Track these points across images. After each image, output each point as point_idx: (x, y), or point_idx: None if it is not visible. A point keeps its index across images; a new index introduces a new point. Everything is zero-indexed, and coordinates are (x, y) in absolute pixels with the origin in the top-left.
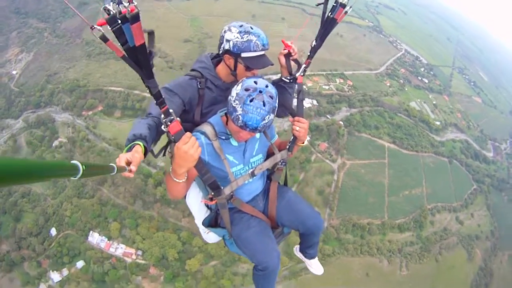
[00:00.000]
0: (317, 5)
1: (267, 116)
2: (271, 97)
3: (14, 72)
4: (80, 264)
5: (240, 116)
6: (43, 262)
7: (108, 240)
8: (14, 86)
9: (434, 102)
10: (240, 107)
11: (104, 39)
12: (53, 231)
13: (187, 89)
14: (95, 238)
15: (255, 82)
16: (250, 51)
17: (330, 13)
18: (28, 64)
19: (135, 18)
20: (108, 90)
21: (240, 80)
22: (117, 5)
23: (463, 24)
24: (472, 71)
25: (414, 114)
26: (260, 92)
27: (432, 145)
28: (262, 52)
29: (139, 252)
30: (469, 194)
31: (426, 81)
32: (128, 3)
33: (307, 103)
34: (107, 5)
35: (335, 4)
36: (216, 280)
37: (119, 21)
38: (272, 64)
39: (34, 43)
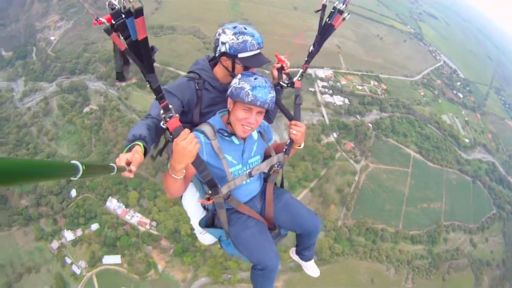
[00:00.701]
0: (316, 11)
1: (272, 91)
2: (266, 81)
3: (52, 38)
4: (94, 226)
5: (249, 91)
6: (59, 220)
7: (125, 207)
8: (51, 51)
9: (466, 119)
10: (247, 83)
11: (108, 31)
12: (73, 193)
13: (185, 91)
14: (113, 204)
15: (250, 73)
16: (247, 51)
17: (327, 19)
18: (67, 32)
19: (139, 12)
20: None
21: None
22: (122, 0)
23: (506, 44)
24: (509, 93)
25: (444, 128)
26: (257, 76)
27: (458, 161)
28: (258, 51)
29: (154, 223)
30: (487, 218)
31: (461, 96)
32: None
33: (338, 100)
34: (112, 0)
35: (332, 10)
36: (224, 260)
37: (123, 16)
38: (270, 61)
39: (74, 12)
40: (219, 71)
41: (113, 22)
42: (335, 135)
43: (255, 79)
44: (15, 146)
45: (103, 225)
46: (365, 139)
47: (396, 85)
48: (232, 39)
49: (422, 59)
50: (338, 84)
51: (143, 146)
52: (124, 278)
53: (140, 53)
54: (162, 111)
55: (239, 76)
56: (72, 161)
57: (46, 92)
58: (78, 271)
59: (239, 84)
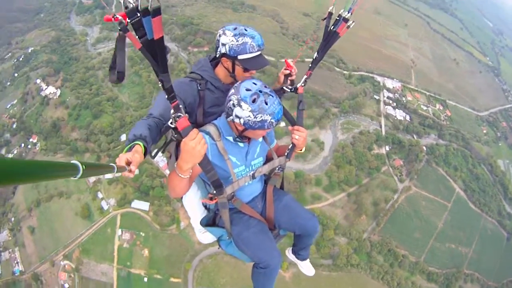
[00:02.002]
0: (323, 20)
1: (278, 100)
2: (266, 86)
3: None
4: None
5: (272, 120)
6: (103, 158)
7: (167, 162)
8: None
9: None
10: (267, 115)
11: (125, 29)
12: (123, 137)
13: (187, 91)
14: (157, 156)
15: (248, 90)
16: (246, 53)
17: (332, 27)
18: None
19: (157, 11)
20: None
21: (236, 100)
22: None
23: None
24: None
25: (497, 173)
26: (260, 91)
27: (499, 213)
28: (258, 53)
29: None
30: (509, 281)
31: None
32: None
33: (400, 115)
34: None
35: (338, 18)
36: None
37: (139, 14)
38: (269, 64)
39: None
40: (221, 72)
41: (128, 20)
42: (387, 148)
43: (266, 104)
44: (78, 84)
45: (142, 172)
46: (416, 160)
47: (461, 115)
48: (232, 40)
49: (494, 96)
50: (404, 98)
51: (143, 146)
52: (145, 225)
53: (155, 52)
54: (172, 111)
55: (247, 107)
56: (72, 161)
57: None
58: (105, 207)
59: (256, 117)
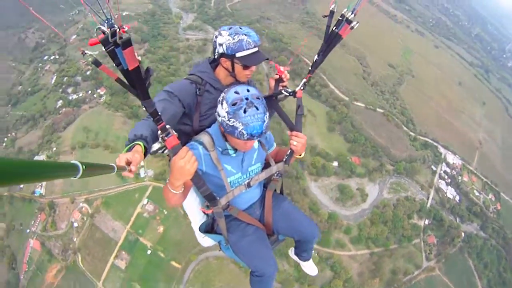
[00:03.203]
0: (324, 17)
1: (265, 117)
2: (258, 98)
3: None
4: None
5: (243, 131)
6: None
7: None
8: (229, 7)
9: None
10: (239, 122)
11: (97, 63)
12: None
13: (187, 93)
14: None
15: (237, 93)
16: (244, 49)
17: (334, 27)
18: None
19: (127, 43)
20: (302, 59)
21: (221, 98)
22: (109, 28)
23: None
24: None
25: None
26: (247, 99)
27: None
28: (256, 49)
29: None
30: None
31: None
32: (118, 29)
33: (451, 193)
34: (101, 27)
35: (340, 18)
36: None
37: (111, 44)
38: (267, 59)
39: None
40: (221, 73)
41: (104, 49)
42: (426, 221)
43: (244, 111)
44: (159, 59)
45: None
46: (450, 244)
47: (511, 213)
48: (228, 39)
49: None
50: (460, 178)
51: (144, 146)
52: None
53: (133, 80)
54: (159, 132)
55: (226, 107)
56: (72, 161)
57: (209, 35)
58: (142, 175)
59: (229, 121)
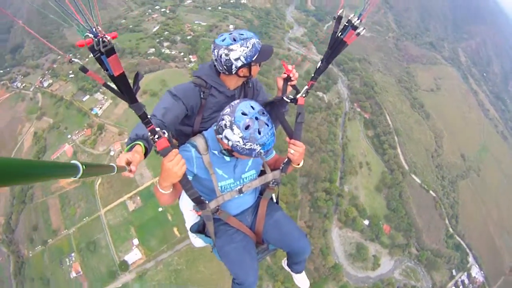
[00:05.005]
0: (334, 19)
1: (273, 130)
2: (264, 113)
3: None
4: None
5: (261, 151)
6: None
7: None
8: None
9: None
10: (257, 144)
11: (84, 70)
12: None
13: (190, 96)
14: None
15: (244, 114)
16: (258, 51)
17: (340, 33)
18: None
19: (110, 52)
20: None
21: (229, 123)
22: (94, 37)
23: None
24: None
25: None
26: (257, 118)
27: None
28: (261, 44)
29: None
30: None
31: None
32: (101, 39)
33: None
34: (88, 34)
35: (346, 24)
36: None
37: (97, 51)
38: (273, 47)
39: None
40: (229, 80)
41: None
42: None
43: (259, 133)
44: None
45: None
46: None
47: None
48: (244, 49)
49: None
50: None
51: (144, 146)
52: None
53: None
54: (149, 134)
55: (239, 132)
56: (72, 161)
57: (309, 54)
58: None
59: (245, 145)
